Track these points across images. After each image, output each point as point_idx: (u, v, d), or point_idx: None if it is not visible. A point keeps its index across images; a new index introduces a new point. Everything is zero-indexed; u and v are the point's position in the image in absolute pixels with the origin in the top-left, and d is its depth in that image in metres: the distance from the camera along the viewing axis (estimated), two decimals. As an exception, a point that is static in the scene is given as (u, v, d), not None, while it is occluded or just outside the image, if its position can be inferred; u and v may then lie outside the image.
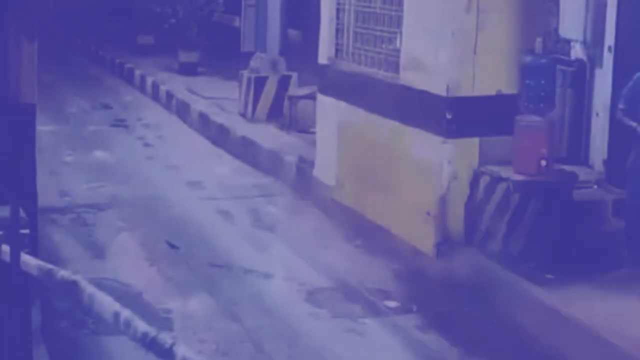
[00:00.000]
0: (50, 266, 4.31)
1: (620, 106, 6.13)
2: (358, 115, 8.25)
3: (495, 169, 6.94)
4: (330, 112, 8.77)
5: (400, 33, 7.65)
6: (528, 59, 6.86)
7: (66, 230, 7.96)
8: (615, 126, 7.12)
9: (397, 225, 7.58)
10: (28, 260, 4.47)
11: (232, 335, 6.02)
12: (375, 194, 7.90)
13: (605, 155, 7.25)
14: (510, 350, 5.95)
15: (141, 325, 4.01)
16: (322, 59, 8.88)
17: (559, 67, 7.16)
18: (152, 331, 3.99)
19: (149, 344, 3.98)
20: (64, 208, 8.54)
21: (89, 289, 4.16)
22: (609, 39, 7.19)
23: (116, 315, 4.08)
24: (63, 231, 7.92)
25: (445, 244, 7.06)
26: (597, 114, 7.32)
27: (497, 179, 6.86)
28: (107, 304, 4.14)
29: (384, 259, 7.49)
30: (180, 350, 3.89)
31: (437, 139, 7.11)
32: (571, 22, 7.42)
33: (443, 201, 7.07)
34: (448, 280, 6.92)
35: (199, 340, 5.93)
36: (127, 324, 4.05)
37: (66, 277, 4.24)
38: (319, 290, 6.77)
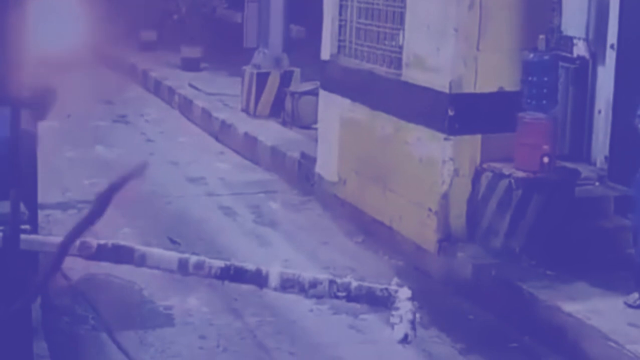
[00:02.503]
0: (79, 239, 4.34)
1: (639, 112, 6.09)
2: (360, 111, 8.24)
3: (497, 165, 6.93)
4: (332, 108, 8.76)
5: (403, 29, 7.64)
6: (531, 56, 6.84)
7: (67, 226, 7.93)
8: (617, 123, 7.12)
9: (399, 222, 7.57)
10: (56, 241, 4.50)
11: (233, 332, 6.02)
12: (377, 190, 7.89)
13: (607, 152, 7.26)
14: (511, 347, 5.94)
15: (216, 262, 4.09)
16: (325, 55, 8.87)
17: (561, 64, 7.16)
18: (231, 263, 4.07)
19: (234, 275, 4.06)
20: (64, 203, 8.53)
21: (138, 249, 4.22)
22: (612, 36, 7.19)
23: (183, 262, 4.13)
24: (64, 227, 7.90)
25: (447, 240, 7.06)
26: (600, 111, 7.33)
27: (499, 176, 6.86)
28: (167, 255, 4.20)
29: (386, 256, 7.49)
30: (273, 271, 3.99)
31: (439, 136, 7.10)
32: (574, 20, 7.42)
33: (445, 198, 7.06)
34: (450, 277, 6.91)
35: (200, 336, 5.93)
36: (200, 265, 4.11)
37: (108, 245, 4.28)
38: (320, 286, 6.76)
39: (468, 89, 7.01)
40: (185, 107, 13.17)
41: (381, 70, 7.95)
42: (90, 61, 16.91)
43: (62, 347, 5.57)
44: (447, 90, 7.01)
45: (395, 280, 4.57)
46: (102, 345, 5.77)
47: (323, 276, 4.44)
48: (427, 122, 7.24)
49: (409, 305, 4.28)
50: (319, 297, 4.48)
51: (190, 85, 13.91)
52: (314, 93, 10.20)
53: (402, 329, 4.23)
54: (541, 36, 6.85)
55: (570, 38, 7.50)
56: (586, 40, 7.43)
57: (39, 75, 5.17)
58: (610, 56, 7.20)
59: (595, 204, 6.95)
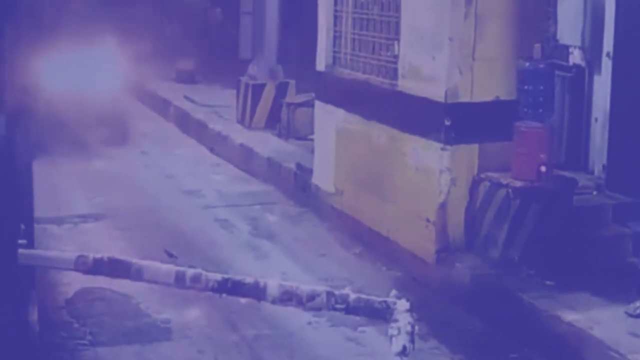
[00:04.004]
0: (76, 254, 4.31)
1: None
2: (356, 122, 8.21)
3: (494, 175, 6.90)
4: (328, 119, 8.74)
5: (398, 40, 7.62)
6: (526, 64, 6.83)
7: (62, 241, 7.91)
8: (614, 132, 7.10)
9: (396, 232, 7.54)
10: (52, 255, 4.48)
11: (231, 345, 5.98)
12: (374, 200, 7.86)
13: (604, 161, 7.23)
14: (511, 358, 5.91)
15: (213, 275, 4.08)
16: (320, 66, 8.86)
17: (557, 72, 7.14)
18: (229, 276, 4.06)
19: (231, 288, 4.04)
20: (60, 218, 8.49)
21: (135, 262, 4.20)
22: (608, 45, 7.17)
23: (180, 275, 4.12)
24: (59, 241, 7.86)
25: (445, 250, 7.03)
26: (596, 120, 7.31)
27: (496, 185, 6.83)
28: (164, 269, 4.18)
29: (384, 267, 7.45)
30: (271, 283, 3.98)
31: (436, 146, 7.08)
32: (569, 28, 7.41)
33: (443, 208, 7.03)
34: (448, 287, 6.88)
35: (198, 350, 5.89)
36: (197, 279, 4.10)
37: (104, 259, 4.25)
38: (318, 298, 6.72)
39: (464, 98, 6.99)
40: (181, 119, 13.14)
41: (377, 80, 7.93)
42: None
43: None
44: (443, 100, 6.99)
45: (394, 291, 4.56)
46: (99, 361, 5.74)
47: (321, 288, 4.41)
48: (423, 132, 7.22)
49: (407, 317, 4.25)
50: (317, 309, 4.46)
51: (186, 97, 13.89)
52: (309, 104, 10.18)
53: (400, 341, 4.21)
54: (537, 45, 6.84)
55: (566, 46, 7.48)
56: (582, 48, 7.41)
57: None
58: (607, 64, 7.18)
59: (593, 213, 6.92)
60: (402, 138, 7.49)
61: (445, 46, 6.98)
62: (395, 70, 7.64)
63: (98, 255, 4.37)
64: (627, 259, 6.34)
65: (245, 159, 10.69)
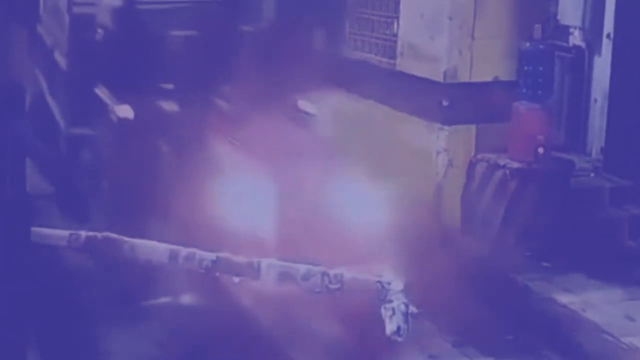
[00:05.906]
0: (69, 231, 4.29)
1: None
2: (354, 101, 8.16)
3: (492, 156, 6.87)
4: (325, 98, 8.68)
5: (397, 18, 7.57)
6: (526, 45, 6.79)
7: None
8: (613, 114, 7.06)
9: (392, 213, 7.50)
10: (45, 232, 4.46)
11: (225, 325, 5.94)
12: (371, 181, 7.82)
13: (603, 143, 7.20)
14: (506, 340, 5.89)
15: (207, 254, 4.08)
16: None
17: (557, 53, 7.09)
18: (223, 255, 4.06)
19: (225, 267, 4.05)
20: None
21: (128, 240, 4.18)
22: (608, 26, 7.12)
23: (173, 253, 4.12)
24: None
25: (441, 232, 6.99)
26: (596, 101, 7.27)
27: (494, 167, 6.80)
28: (158, 247, 4.17)
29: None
30: (265, 263, 3.99)
31: (433, 126, 7.04)
32: (570, 9, 7.35)
33: (439, 189, 7.00)
34: (443, 269, 6.85)
35: (190, 331, 5.85)
36: (190, 258, 4.09)
37: (97, 236, 4.22)
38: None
39: (463, 78, 6.94)
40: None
41: (375, 59, 7.88)
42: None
43: (55, 349, 5.51)
44: (441, 80, 6.94)
45: (389, 271, 4.53)
46: (96, 348, 5.71)
47: (316, 268, 4.39)
48: (421, 112, 7.17)
49: (402, 297, 4.24)
50: (312, 288, 4.44)
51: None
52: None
53: (394, 322, 4.19)
54: (537, 25, 6.79)
55: (567, 27, 7.42)
56: (582, 29, 7.36)
57: None
58: (607, 46, 7.13)
59: (590, 195, 6.89)
60: (399, 118, 7.44)
61: (444, 25, 6.92)
62: (394, 49, 7.58)
63: (91, 233, 4.35)
64: (623, 241, 6.31)
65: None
